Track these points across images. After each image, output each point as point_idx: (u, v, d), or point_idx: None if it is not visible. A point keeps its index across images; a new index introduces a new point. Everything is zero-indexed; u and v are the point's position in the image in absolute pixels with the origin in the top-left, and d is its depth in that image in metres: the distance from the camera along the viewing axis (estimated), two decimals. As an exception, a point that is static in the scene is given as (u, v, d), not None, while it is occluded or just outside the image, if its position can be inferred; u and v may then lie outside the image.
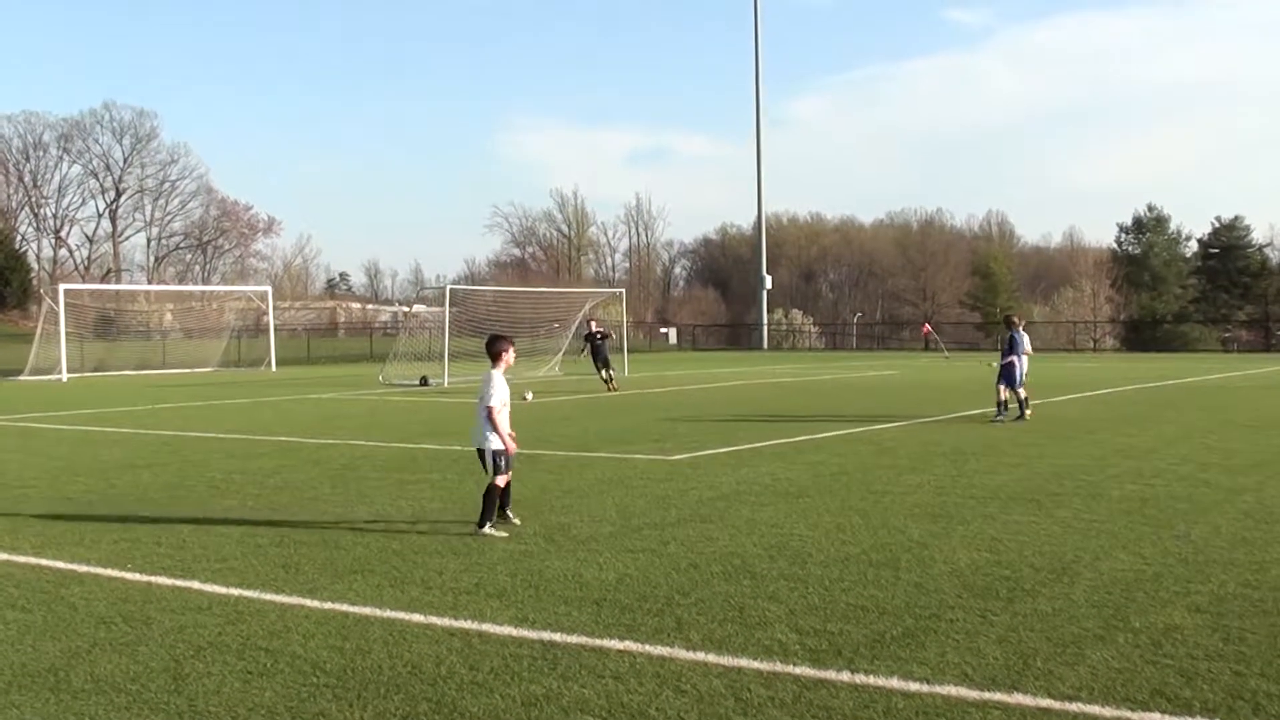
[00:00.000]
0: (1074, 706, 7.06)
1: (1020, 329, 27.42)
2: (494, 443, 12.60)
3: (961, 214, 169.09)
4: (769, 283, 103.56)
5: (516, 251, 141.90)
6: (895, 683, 7.49)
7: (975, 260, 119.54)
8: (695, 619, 9.00)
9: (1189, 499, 14.70)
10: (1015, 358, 26.22)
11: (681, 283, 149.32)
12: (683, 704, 7.13)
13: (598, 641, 8.43)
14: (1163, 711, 7.00)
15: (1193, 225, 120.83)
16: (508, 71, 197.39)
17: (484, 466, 12.78)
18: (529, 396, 19.96)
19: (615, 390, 38.25)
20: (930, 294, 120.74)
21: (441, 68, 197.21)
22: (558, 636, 8.56)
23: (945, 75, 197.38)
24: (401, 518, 13.72)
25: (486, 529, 12.40)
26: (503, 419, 12.63)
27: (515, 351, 13.30)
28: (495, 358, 13.00)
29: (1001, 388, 26.14)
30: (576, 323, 45.56)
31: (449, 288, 50.20)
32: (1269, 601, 9.53)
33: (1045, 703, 7.14)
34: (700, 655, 8.07)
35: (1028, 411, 25.99)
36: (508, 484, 12.86)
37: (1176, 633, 8.61)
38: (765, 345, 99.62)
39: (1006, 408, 25.99)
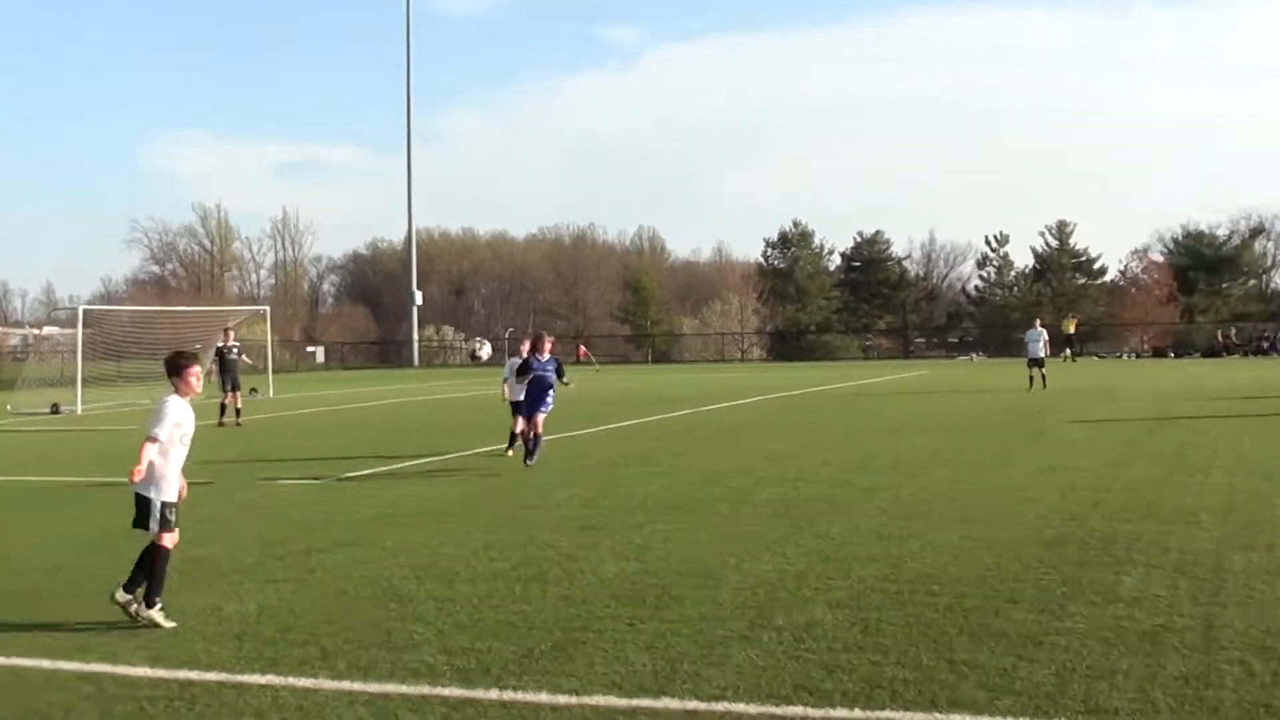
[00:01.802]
0: (720, 706, 7.21)
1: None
2: (165, 491, 9.83)
3: (614, 229, 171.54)
4: (419, 299, 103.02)
5: (156, 269, 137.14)
6: (544, 697, 7.50)
7: (627, 274, 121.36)
8: (341, 647, 8.81)
9: (830, 500, 15.23)
10: None
11: (330, 299, 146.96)
12: (328, 735, 7.00)
13: (238, 677, 8.14)
14: (805, 705, 7.21)
15: (836, 239, 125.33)
16: (149, 81, 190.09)
17: (144, 519, 9.85)
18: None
19: (239, 425, 31.86)
20: (582, 308, 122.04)
21: (75, 76, 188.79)
22: (195, 674, 8.23)
23: (598, 91, 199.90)
24: (24, 554, 13.09)
25: (155, 611, 9.66)
26: (174, 458, 9.91)
27: (200, 373, 10.34)
28: (177, 378, 10.07)
29: None
30: (219, 342, 43.79)
31: (82, 308, 48.04)
32: (905, 593, 9.93)
33: (692, 705, 7.27)
34: (346, 684, 7.91)
35: None
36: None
37: (818, 628, 8.89)
38: (416, 362, 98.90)
39: None
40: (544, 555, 12.05)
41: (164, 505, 9.83)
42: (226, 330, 36.09)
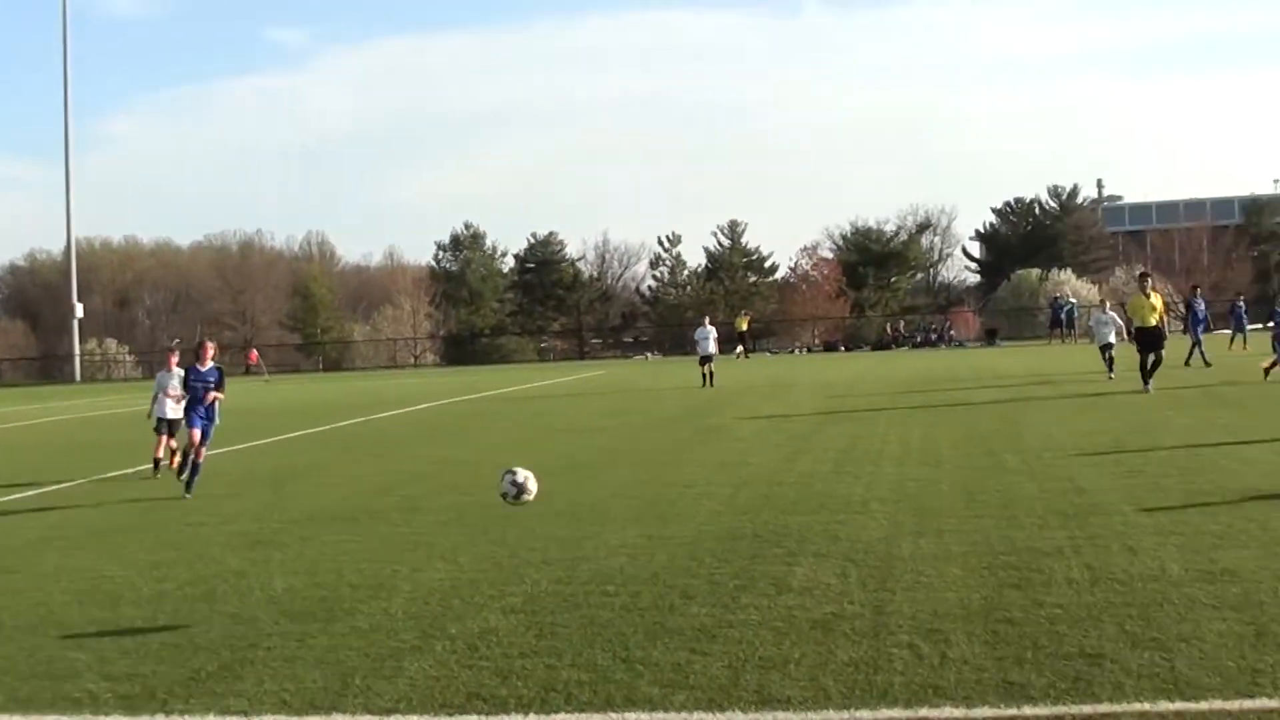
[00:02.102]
0: (393, 719, 7.08)
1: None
2: None
3: (282, 235, 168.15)
4: (81, 311, 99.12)
5: None
6: (211, 719, 7.26)
7: (295, 281, 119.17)
8: (-2, 678, 8.37)
9: (503, 505, 15.03)
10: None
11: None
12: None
13: None
14: (479, 713, 7.15)
15: (509, 241, 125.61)
16: None
17: None
18: None
19: None
20: (250, 316, 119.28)
21: None
22: None
23: (266, 94, 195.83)
24: None
25: None
26: None
27: None
28: None
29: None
30: None
31: None
32: (580, 595, 9.94)
33: (364, 719, 7.12)
34: (4, 718, 7.56)
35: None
36: None
37: (492, 635, 8.82)
38: (79, 378, 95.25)
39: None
40: (212, 573, 11.67)
41: None
42: None
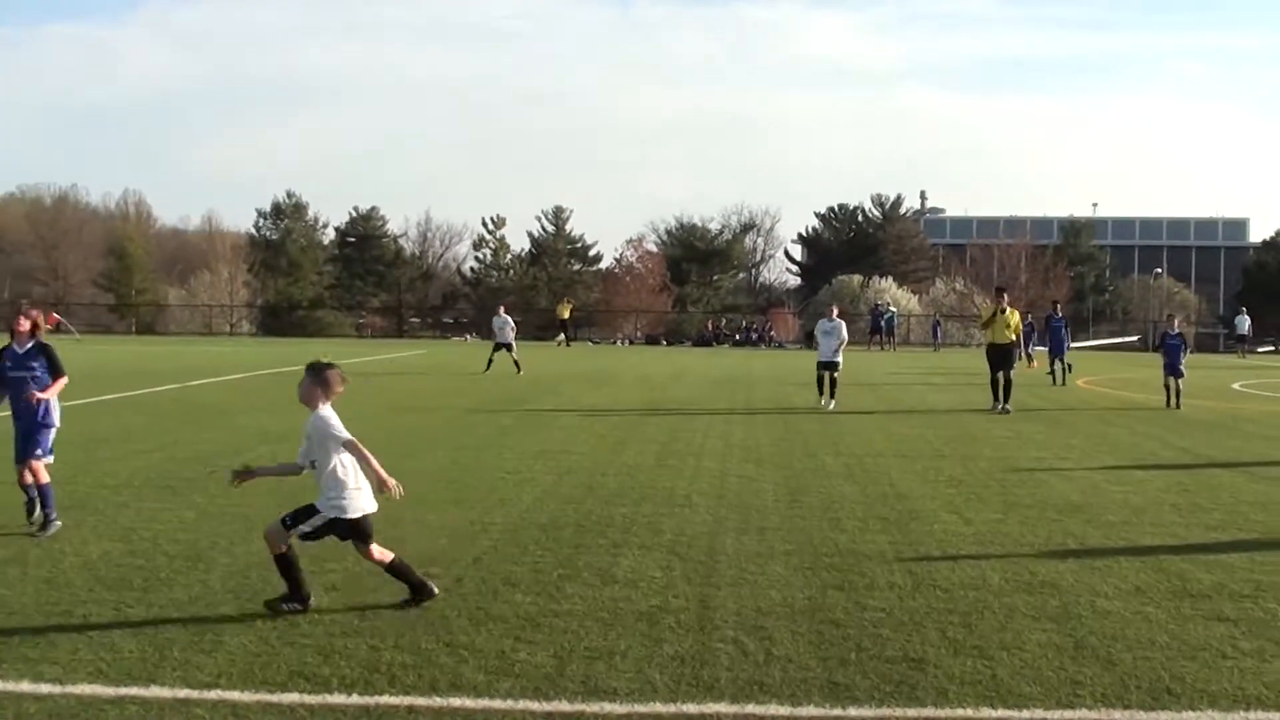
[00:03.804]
0: (213, 694, 7.02)
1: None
2: None
3: (98, 191, 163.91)
4: None
5: None
6: (25, 686, 7.12)
7: (111, 240, 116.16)
8: None
9: (324, 480, 14.95)
10: None
11: None
12: None
13: None
14: (301, 691, 7.08)
15: (331, 214, 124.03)
16: None
17: None
18: None
19: None
20: (63, 273, 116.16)
21: None
22: None
23: (82, 44, 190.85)
24: None
25: None
26: None
27: None
28: None
29: None
30: None
31: None
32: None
33: (184, 693, 7.04)
34: None
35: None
36: None
37: (313, 612, 8.77)
38: None
39: None
40: (22, 536, 11.33)
41: None
42: None
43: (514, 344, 41.07)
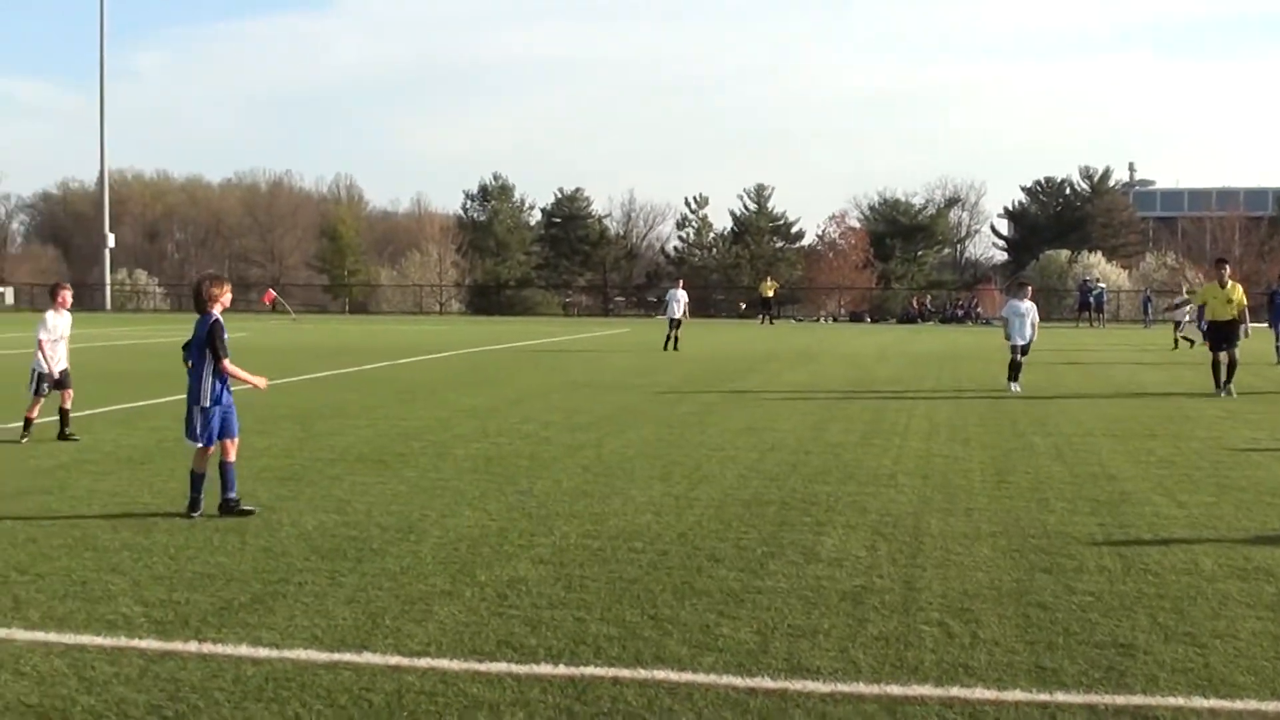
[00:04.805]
0: (423, 662, 7.13)
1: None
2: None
3: (311, 176, 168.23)
4: (112, 241, 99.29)
5: None
6: (244, 650, 7.33)
7: (324, 223, 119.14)
8: (34, 596, 8.46)
9: (532, 456, 15.20)
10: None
11: (20, 239, 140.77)
12: (23, 687, 6.69)
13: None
14: (509, 661, 7.18)
15: (537, 195, 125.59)
16: None
17: None
18: None
19: None
20: (279, 255, 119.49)
21: None
22: None
23: (292, 35, 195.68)
24: None
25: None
26: None
27: None
28: None
29: None
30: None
31: None
32: (608, 550, 9.97)
33: (395, 660, 7.17)
34: (40, 635, 7.60)
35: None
36: None
37: (521, 584, 8.86)
38: (109, 307, 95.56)
39: None
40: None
41: None
42: None
43: (682, 321, 41.15)
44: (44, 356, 16.66)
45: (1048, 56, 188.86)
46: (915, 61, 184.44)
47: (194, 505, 11.25)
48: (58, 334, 16.93)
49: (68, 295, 17.44)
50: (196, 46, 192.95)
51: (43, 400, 16.69)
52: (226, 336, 11.48)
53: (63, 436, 16.28)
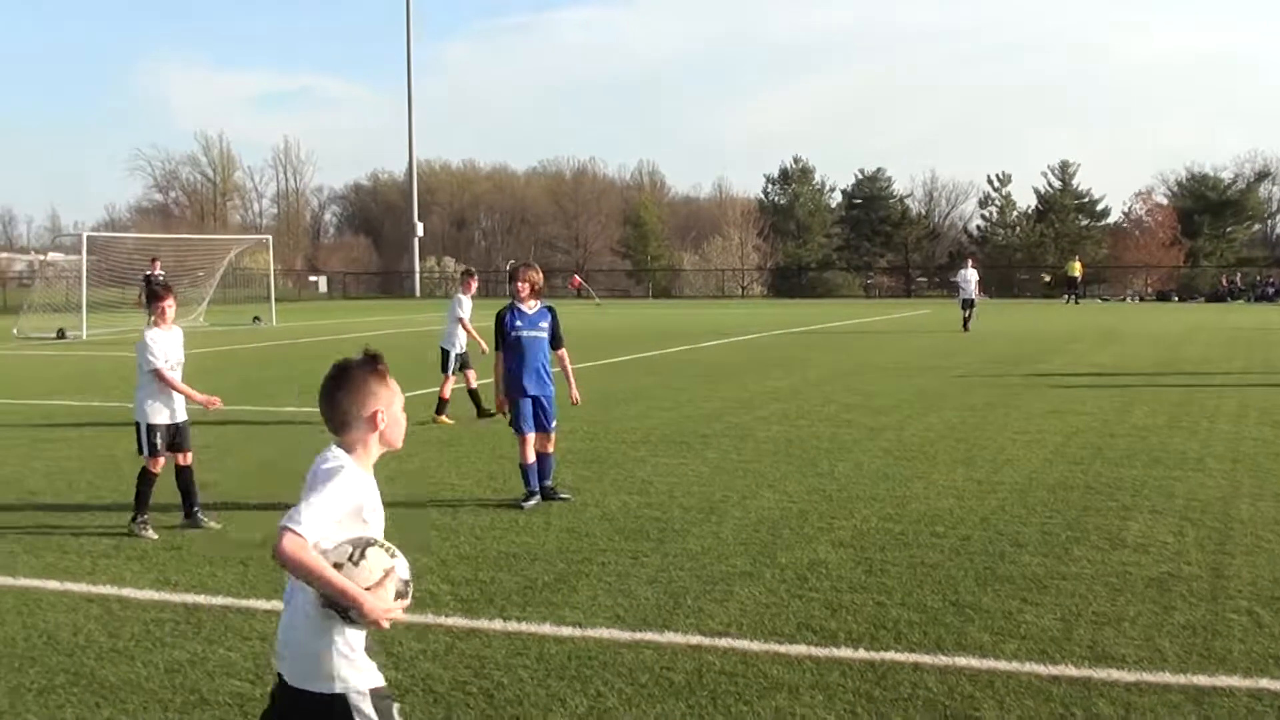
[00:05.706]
0: (724, 642, 7.22)
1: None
2: (150, 415, 10.45)
3: (614, 163, 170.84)
4: (421, 230, 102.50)
5: (159, 197, 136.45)
6: (547, 628, 7.52)
7: (627, 209, 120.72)
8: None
9: (832, 438, 15.19)
10: None
11: (332, 230, 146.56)
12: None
13: (244, 602, 8.17)
14: (809, 643, 7.21)
15: (836, 176, 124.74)
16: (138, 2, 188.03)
17: (139, 443, 10.60)
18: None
19: None
20: (583, 242, 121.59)
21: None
22: (202, 599, 8.28)
23: (591, 25, 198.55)
24: (35, 477, 13.05)
25: (136, 526, 10.22)
26: (150, 385, 10.52)
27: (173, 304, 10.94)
28: (153, 308, 10.79)
29: None
30: (221, 270, 42.71)
31: (85, 235, 47.98)
32: (909, 534, 9.92)
33: (696, 639, 7.28)
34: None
35: None
36: (184, 471, 10.58)
37: (821, 567, 8.88)
38: (418, 293, 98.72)
39: None
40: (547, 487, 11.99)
41: (148, 429, 10.44)
42: (154, 260, 37.82)
43: (975, 301, 40.44)
44: (463, 339, 18.14)
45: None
46: (1225, 27, 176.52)
47: (528, 496, 11.34)
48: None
49: (473, 284, 19.27)
50: (499, 38, 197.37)
51: (453, 380, 17.83)
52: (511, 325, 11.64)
53: (481, 414, 17.35)
